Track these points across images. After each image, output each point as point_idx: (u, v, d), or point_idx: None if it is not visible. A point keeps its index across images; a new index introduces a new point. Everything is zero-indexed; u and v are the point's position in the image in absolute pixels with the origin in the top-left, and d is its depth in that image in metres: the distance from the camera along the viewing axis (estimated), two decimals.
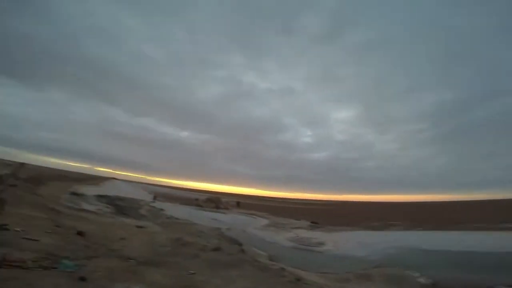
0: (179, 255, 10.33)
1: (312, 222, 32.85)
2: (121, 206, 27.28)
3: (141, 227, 16.41)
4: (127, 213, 23.21)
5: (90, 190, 38.18)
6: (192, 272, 8.08)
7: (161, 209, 30.47)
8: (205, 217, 29.91)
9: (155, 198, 31.45)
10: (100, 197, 32.04)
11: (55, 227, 10.60)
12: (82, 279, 4.99)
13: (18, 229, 7.63)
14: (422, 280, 11.20)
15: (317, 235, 24.00)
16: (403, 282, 11.09)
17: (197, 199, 52.52)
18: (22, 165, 14.02)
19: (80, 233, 10.77)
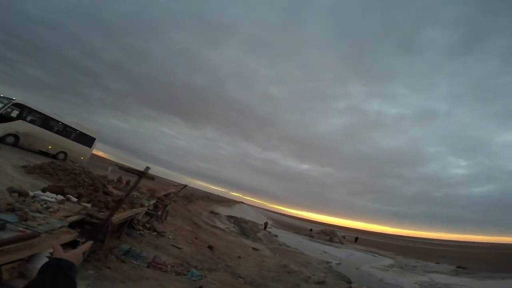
0: (282, 282, 10.46)
1: (458, 267, 24.38)
2: (244, 227, 30.73)
3: (256, 249, 17.87)
4: (247, 234, 25.88)
5: (223, 211, 45.88)
6: None
7: (275, 235, 31.82)
8: (316, 249, 28.44)
9: (265, 226, 32.66)
10: (229, 217, 37.66)
11: (194, 238, 13.45)
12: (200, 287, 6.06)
13: (170, 236, 10.39)
14: None
15: (462, 281, 17.65)
16: None
17: (311, 230, 51.12)
18: (184, 186, 18.33)
19: (210, 247, 12.96)
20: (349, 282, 14.11)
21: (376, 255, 33.00)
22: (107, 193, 6.71)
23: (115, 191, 7.63)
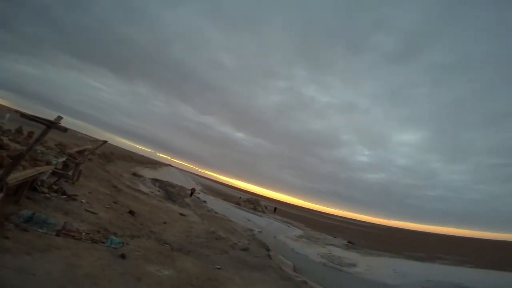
0: (210, 248, 10.99)
1: (348, 242, 30.96)
2: (171, 192, 29.94)
3: (183, 215, 17.86)
4: (174, 199, 25.42)
5: (148, 173, 43.15)
6: (218, 267, 8.53)
7: (204, 201, 32.45)
8: (241, 216, 30.64)
9: (192, 193, 31.63)
10: (155, 180, 35.85)
11: (113, 203, 12.31)
12: (122, 256, 5.59)
13: (83, 200, 9.20)
14: None
15: (351, 255, 22.51)
16: None
17: (239, 198, 54.35)
18: (104, 142, 16.07)
19: (131, 212, 12.16)
20: (268, 249, 15.85)
21: (290, 225, 37.66)
22: (1, 147, 5.27)
23: (12, 144, 6.05)
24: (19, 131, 9.54)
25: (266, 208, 52.94)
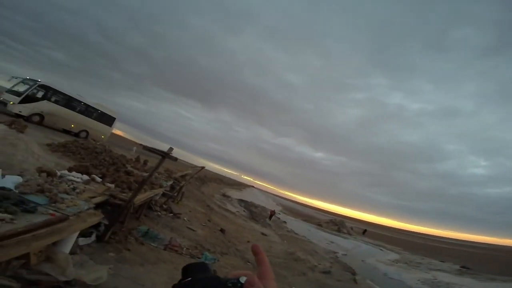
0: (288, 269, 10.60)
1: (462, 267, 24.27)
2: (254, 212, 31.21)
3: (264, 234, 18.17)
4: (256, 219, 26.31)
5: (234, 194, 46.76)
6: None
7: (284, 222, 32.22)
8: (323, 238, 28.73)
9: (271, 216, 29.77)
10: (240, 201, 38.39)
11: (207, 221, 13.78)
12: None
13: (185, 218, 10.65)
14: None
15: (464, 281, 17.86)
16: None
17: (320, 220, 51.37)
18: (202, 168, 18.42)
19: (222, 230, 13.21)
20: (354, 273, 14.25)
21: (383, 248, 32.98)
22: (128, 173, 6.83)
23: (135, 171, 7.77)
24: (137, 160, 12.26)
25: (352, 229, 47.98)
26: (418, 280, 17.17)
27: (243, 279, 0.44)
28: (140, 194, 5.53)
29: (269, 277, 0.46)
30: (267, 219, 27.35)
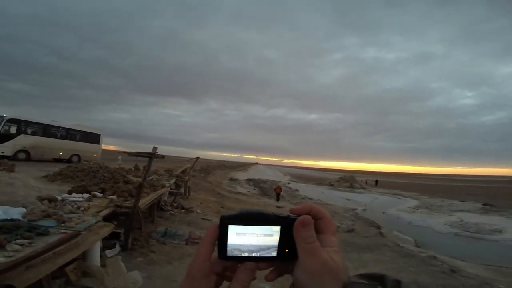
0: None
1: (484, 204, 24.68)
2: (264, 188, 31.99)
3: (280, 207, 18.82)
4: (268, 194, 27.05)
5: (241, 175, 47.54)
6: None
7: (296, 190, 33.13)
8: (339, 197, 29.26)
9: (278, 193, 24.93)
10: (248, 180, 39.08)
11: (221, 208, 14.21)
12: None
13: (198, 210, 11.00)
14: None
15: (492, 220, 17.87)
16: None
17: (330, 180, 52.65)
18: (197, 159, 18.61)
19: None
20: (379, 227, 14.28)
21: (400, 197, 33.39)
22: (127, 182, 6.98)
23: (135, 179, 7.91)
24: (136, 168, 12.32)
25: (366, 183, 49.03)
26: (445, 223, 17.19)
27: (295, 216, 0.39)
28: (143, 198, 5.69)
29: (329, 231, 0.39)
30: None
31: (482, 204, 24.68)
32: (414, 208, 24.06)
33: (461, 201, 28.66)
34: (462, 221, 17.85)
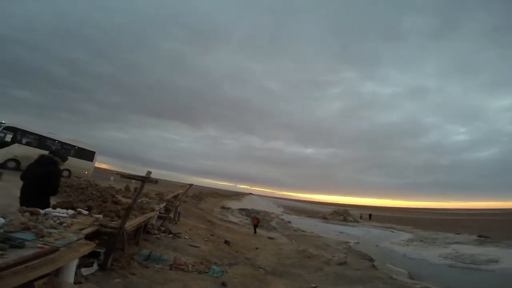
0: (303, 268, 10.57)
1: (480, 236, 24.37)
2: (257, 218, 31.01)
3: (271, 238, 18.10)
4: (261, 224, 26.12)
5: (234, 205, 46.33)
6: (314, 286, 8.06)
7: (289, 222, 32.19)
8: (332, 230, 28.70)
9: (255, 227, 21.41)
10: (241, 210, 38.09)
11: (210, 236, 13.58)
12: (223, 284, 5.89)
13: (186, 236, 10.48)
14: None
15: (488, 251, 17.54)
16: None
17: (324, 213, 51.65)
18: (191, 185, 18.47)
19: (226, 242, 13.07)
20: (371, 260, 13.95)
21: (394, 230, 33.05)
22: (116, 203, 6.73)
23: (124, 200, 7.65)
24: (127, 188, 11.99)
25: (360, 217, 48.31)
26: (440, 255, 16.83)
27: None
28: (130, 220, 5.45)
29: None
30: (273, 220, 24.85)
31: (477, 236, 24.45)
32: (408, 241, 23.67)
33: (456, 233, 28.24)
34: (457, 252, 17.56)
